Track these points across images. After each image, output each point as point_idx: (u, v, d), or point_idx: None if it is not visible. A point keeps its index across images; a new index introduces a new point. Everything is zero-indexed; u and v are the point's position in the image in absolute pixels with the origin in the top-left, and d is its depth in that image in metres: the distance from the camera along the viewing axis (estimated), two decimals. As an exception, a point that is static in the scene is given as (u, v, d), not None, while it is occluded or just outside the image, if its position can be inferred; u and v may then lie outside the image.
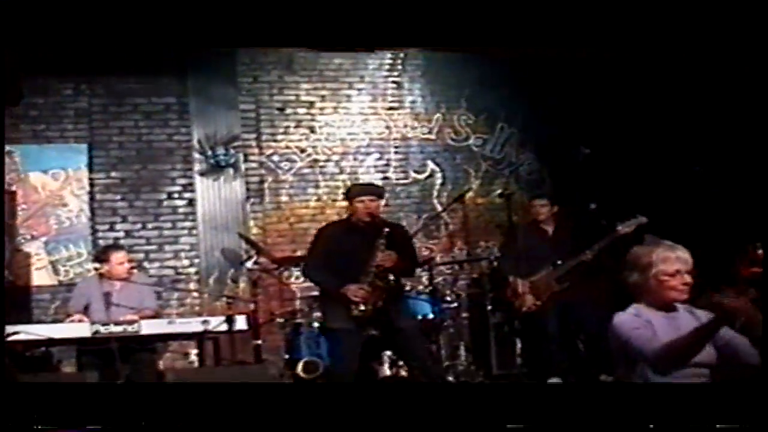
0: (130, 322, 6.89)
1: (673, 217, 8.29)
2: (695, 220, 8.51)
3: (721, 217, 8.27)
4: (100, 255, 7.71)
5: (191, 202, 9.35)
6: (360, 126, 9.96)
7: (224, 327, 7.06)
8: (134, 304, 7.37)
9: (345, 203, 7.12)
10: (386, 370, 7.52)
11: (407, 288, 8.12)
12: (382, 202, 6.89)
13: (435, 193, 10.03)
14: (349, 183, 9.56)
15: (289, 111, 9.80)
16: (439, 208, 9.87)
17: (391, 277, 6.50)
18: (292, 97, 9.84)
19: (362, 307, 6.46)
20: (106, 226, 9.15)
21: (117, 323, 6.85)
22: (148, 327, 6.93)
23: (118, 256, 7.51)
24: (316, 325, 7.95)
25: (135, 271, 8.00)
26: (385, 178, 9.89)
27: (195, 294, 9.19)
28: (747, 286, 7.32)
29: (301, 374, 7.56)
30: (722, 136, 8.59)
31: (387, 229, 6.59)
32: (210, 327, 7.02)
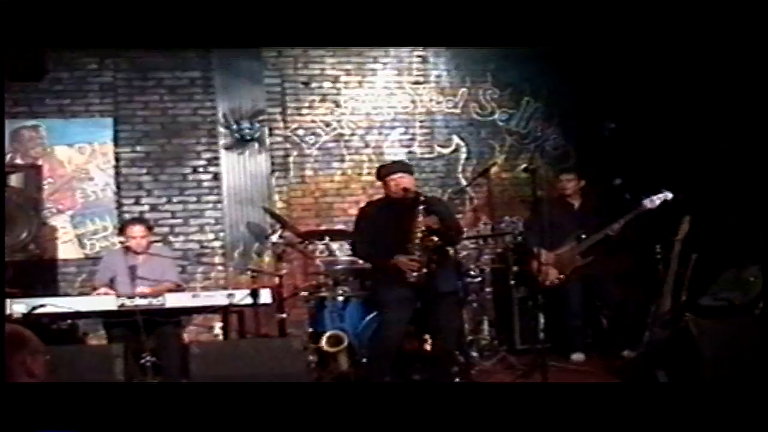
0: (155, 295, 6.93)
1: (699, 192, 8.26)
2: (721, 196, 8.46)
3: (747, 194, 8.21)
4: (121, 228, 7.77)
5: (216, 176, 9.38)
6: (385, 100, 9.94)
7: (249, 300, 7.09)
8: (157, 276, 7.42)
9: (379, 183, 7.14)
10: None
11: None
12: (413, 177, 6.94)
13: (460, 168, 10.02)
14: (374, 157, 9.65)
15: (314, 85, 9.79)
16: (464, 182, 9.87)
17: (435, 238, 6.55)
18: (317, 71, 9.82)
19: (415, 274, 6.54)
20: (132, 200, 9.21)
21: (142, 296, 6.89)
22: (173, 300, 6.97)
23: (134, 230, 7.54)
24: (340, 298, 7.99)
25: (159, 244, 8.06)
26: (410, 152, 9.89)
27: (220, 268, 9.25)
28: (772, 263, 7.31)
29: (325, 347, 7.59)
30: (750, 112, 8.51)
31: (422, 198, 6.68)
32: (235, 300, 7.05)
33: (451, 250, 7.18)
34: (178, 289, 7.51)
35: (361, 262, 8.51)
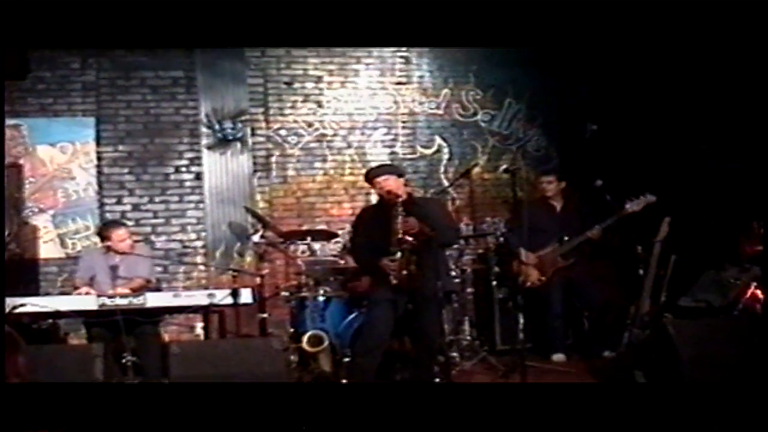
0: (136, 295, 6.93)
1: (679, 194, 8.31)
2: (701, 198, 8.51)
3: (727, 196, 8.27)
4: (102, 232, 7.71)
5: (198, 176, 9.38)
6: (367, 100, 9.96)
7: (230, 300, 7.09)
8: (131, 274, 7.43)
9: (361, 184, 7.21)
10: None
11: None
12: (402, 179, 6.96)
13: (442, 169, 10.04)
14: (356, 158, 9.69)
15: (296, 85, 9.80)
16: (446, 183, 9.89)
17: (411, 240, 6.56)
18: (300, 72, 9.83)
19: (395, 276, 6.58)
20: (114, 200, 9.20)
21: (123, 296, 6.89)
22: (154, 300, 6.96)
23: (119, 233, 7.52)
24: (321, 299, 7.99)
25: (140, 244, 8.05)
26: (393, 153, 9.91)
27: (201, 267, 9.25)
28: (750, 265, 7.35)
29: (306, 347, 7.59)
30: (730, 114, 8.57)
31: (399, 199, 6.69)
32: (215, 300, 7.05)
33: (447, 252, 7.28)
34: (148, 285, 7.50)
35: (342, 262, 8.57)
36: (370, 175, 7.04)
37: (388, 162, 9.22)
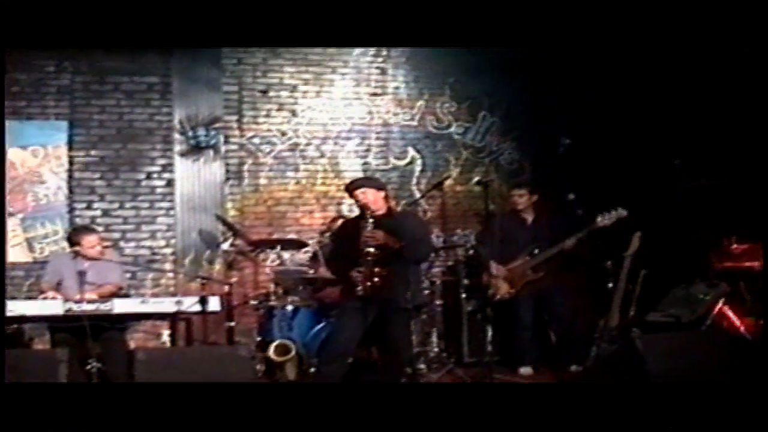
0: (103, 301, 6.87)
1: (650, 209, 8.33)
2: (672, 213, 8.54)
3: (698, 212, 8.30)
4: (72, 237, 7.65)
5: (170, 183, 9.32)
6: (342, 111, 9.93)
7: (197, 308, 7.05)
8: (101, 280, 7.37)
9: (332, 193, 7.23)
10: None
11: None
12: (381, 192, 6.98)
13: (414, 180, 10.02)
14: (329, 168, 9.68)
15: (271, 94, 9.76)
16: (418, 194, 9.86)
17: (372, 249, 6.56)
18: (276, 80, 9.79)
19: (361, 287, 6.58)
20: (84, 204, 9.12)
21: (90, 301, 6.83)
22: (121, 306, 6.91)
23: (89, 239, 7.47)
24: (289, 308, 7.97)
25: (110, 250, 7.99)
26: (366, 163, 9.89)
27: (170, 274, 9.17)
28: (719, 281, 7.39)
29: (273, 357, 7.58)
30: (703, 130, 8.62)
31: (368, 212, 6.73)
32: (183, 307, 7.01)
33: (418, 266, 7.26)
34: (120, 291, 7.45)
35: (311, 271, 8.55)
36: (350, 188, 7.08)
37: (367, 174, 9.27)
